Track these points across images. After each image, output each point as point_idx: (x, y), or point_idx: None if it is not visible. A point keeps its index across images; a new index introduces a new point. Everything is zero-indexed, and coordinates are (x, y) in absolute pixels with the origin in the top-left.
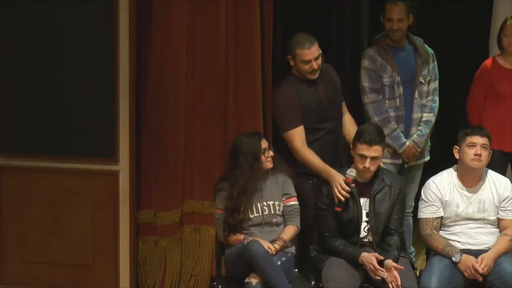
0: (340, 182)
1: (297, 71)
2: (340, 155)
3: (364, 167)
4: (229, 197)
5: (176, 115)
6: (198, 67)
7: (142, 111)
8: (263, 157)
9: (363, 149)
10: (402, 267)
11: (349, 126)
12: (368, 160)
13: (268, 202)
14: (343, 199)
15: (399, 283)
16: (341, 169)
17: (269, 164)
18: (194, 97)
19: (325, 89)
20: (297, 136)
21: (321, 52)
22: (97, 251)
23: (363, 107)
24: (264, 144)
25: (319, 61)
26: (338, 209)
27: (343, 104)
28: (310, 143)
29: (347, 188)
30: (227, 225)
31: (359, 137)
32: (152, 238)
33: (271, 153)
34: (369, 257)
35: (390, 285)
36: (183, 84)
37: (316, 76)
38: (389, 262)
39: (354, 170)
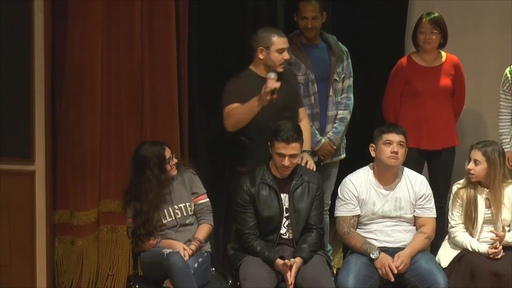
0: (267, 84)
1: (267, 63)
2: None
3: (283, 165)
4: (140, 212)
5: (92, 115)
6: (114, 66)
7: (58, 110)
8: (168, 166)
9: (281, 148)
10: (293, 263)
11: (304, 132)
12: (286, 158)
13: (179, 205)
14: (278, 84)
15: (289, 283)
16: None
17: (173, 172)
18: (110, 96)
19: (279, 90)
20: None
21: None
22: (13, 251)
23: None
24: (168, 153)
25: None
26: (274, 96)
27: (302, 110)
28: (260, 145)
29: (274, 77)
30: (136, 237)
31: (276, 135)
32: (68, 238)
33: (175, 160)
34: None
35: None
36: (98, 84)
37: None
38: (291, 260)
39: (274, 72)
